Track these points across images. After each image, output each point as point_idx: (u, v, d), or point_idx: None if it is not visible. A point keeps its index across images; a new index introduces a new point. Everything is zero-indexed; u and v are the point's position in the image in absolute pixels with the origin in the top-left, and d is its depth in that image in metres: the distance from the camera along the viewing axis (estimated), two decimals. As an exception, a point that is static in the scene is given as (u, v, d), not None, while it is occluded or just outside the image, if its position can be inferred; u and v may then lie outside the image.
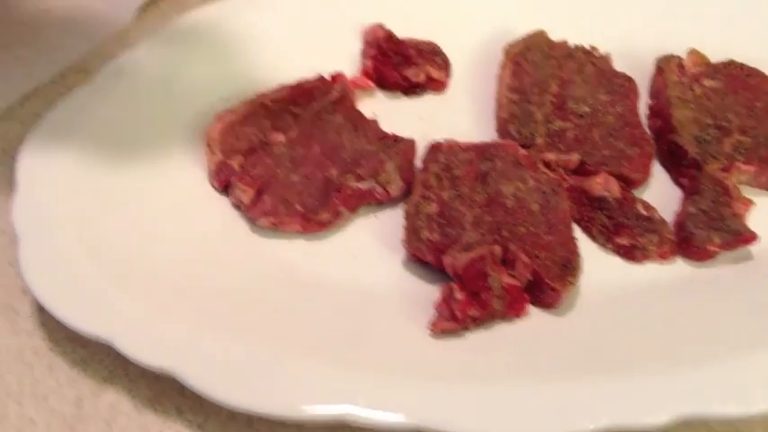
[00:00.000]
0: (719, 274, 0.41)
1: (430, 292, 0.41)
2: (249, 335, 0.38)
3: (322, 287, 0.41)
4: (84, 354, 0.41)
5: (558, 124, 0.45)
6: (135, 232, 0.42)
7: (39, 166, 0.44)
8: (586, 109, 0.46)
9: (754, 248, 0.41)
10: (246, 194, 0.43)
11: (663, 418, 0.34)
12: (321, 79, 0.48)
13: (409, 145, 0.46)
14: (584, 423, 0.34)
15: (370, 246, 0.43)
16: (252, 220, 0.43)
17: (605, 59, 0.48)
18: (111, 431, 0.38)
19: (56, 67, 0.52)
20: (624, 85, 0.47)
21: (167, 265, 0.41)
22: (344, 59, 0.50)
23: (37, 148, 0.44)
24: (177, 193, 0.44)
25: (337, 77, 0.48)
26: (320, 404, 0.35)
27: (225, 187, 0.44)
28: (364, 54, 0.51)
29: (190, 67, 0.48)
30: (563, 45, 0.49)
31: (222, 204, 0.45)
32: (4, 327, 0.42)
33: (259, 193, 0.43)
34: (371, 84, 0.49)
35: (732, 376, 0.35)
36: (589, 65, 0.48)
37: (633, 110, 0.46)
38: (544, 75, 0.47)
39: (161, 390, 0.39)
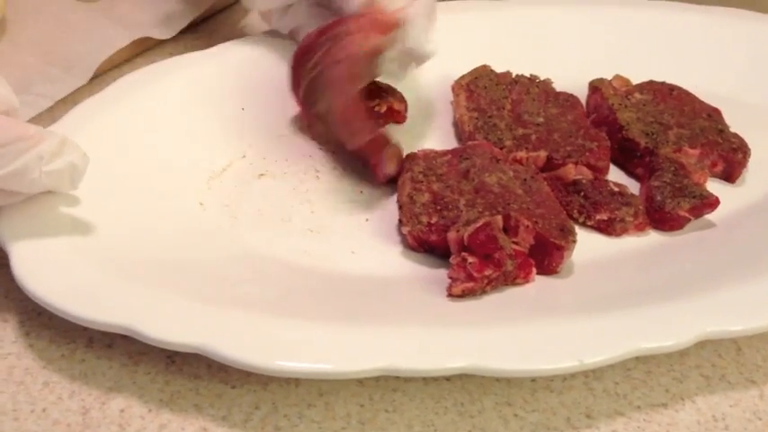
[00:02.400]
0: (689, 240, 0.45)
1: (433, 274, 0.42)
2: (266, 311, 0.37)
3: (325, 276, 0.42)
4: (83, 368, 0.39)
5: (521, 131, 0.49)
6: (129, 230, 0.41)
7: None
8: (541, 119, 0.51)
9: (713, 217, 0.46)
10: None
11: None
12: None
13: (381, 137, 0.48)
14: (613, 350, 0.36)
15: (366, 242, 0.44)
16: None
17: (546, 83, 0.54)
18: (126, 434, 0.36)
19: None
20: (569, 100, 0.52)
21: (166, 257, 0.40)
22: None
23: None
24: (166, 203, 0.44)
25: None
26: (359, 362, 0.35)
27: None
28: None
29: (159, 107, 0.49)
30: (506, 74, 0.54)
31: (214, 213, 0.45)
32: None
33: None
34: None
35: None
36: (534, 87, 0.53)
37: (583, 118, 0.51)
38: (496, 96, 0.52)
39: (174, 391, 0.38)
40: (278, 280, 0.41)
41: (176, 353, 0.38)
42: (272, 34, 0.56)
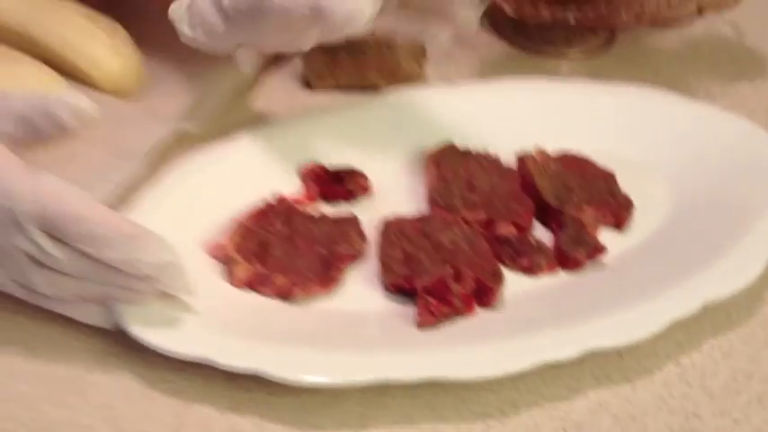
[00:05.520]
0: (586, 277, 0.63)
1: (406, 311, 0.60)
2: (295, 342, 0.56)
3: (329, 312, 0.60)
4: (168, 386, 0.56)
5: (470, 196, 0.67)
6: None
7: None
8: (486, 187, 0.68)
9: (606, 259, 0.64)
10: (285, 283, 0.60)
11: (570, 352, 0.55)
12: (267, 203, 0.67)
13: (354, 218, 0.66)
14: (525, 362, 0.54)
15: (356, 287, 0.62)
16: (285, 297, 0.60)
17: (494, 157, 0.71)
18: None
19: None
20: (510, 171, 0.70)
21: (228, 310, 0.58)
22: (287, 189, 0.69)
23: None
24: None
25: (279, 198, 0.67)
26: (359, 374, 0.53)
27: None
28: (306, 183, 0.70)
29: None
30: (466, 150, 0.71)
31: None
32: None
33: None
34: (308, 201, 0.69)
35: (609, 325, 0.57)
36: (484, 161, 0.70)
37: (517, 187, 0.69)
38: (457, 168, 0.69)
39: (239, 400, 0.55)
40: (300, 318, 0.59)
41: (240, 375, 0.54)
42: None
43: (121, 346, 0.57)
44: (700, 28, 0.89)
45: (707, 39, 0.91)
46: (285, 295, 0.60)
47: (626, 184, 0.69)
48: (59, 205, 0.52)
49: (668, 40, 0.90)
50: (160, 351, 0.54)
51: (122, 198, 0.65)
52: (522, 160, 0.71)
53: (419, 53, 0.83)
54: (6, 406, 0.55)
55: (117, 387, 0.56)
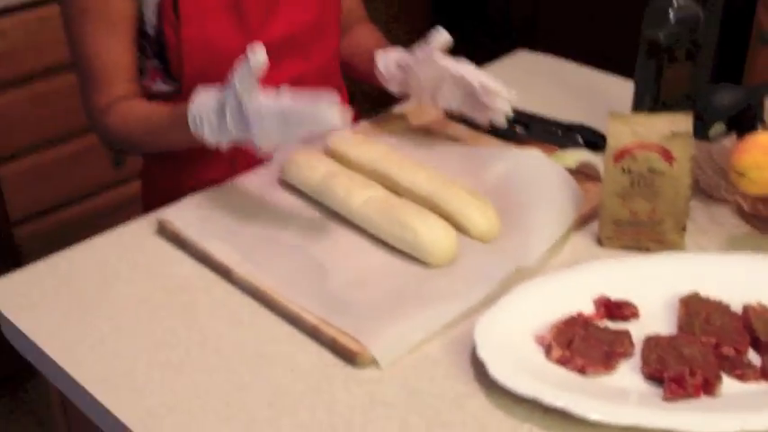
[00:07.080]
0: (782, 388, 0.97)
1: (656, 390, 0.97)
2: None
3: (601, 383, 0.98)
4: (509, 412, 0.97)
5: (707, 327, 1.04)
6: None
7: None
8: (719, 323, 1.04)
9: (796, 378, 0.97)
10: (582, 364, 1.01)
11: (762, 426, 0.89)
12: (573, 316, 1.07)
13: (627, 331, 1.05)
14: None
15: (623, 372, 1.00)
16: (581, 372, 1.00)
17: (726, 305, 1.07)
18: (530, 438, 0.94)
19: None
20: (735, 315, 1.06)
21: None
22: (585, 309, 1.10)
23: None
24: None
25: (579, 314, 1.07)
26: (623, 419, 0.90)
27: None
28: (597, 307, 1.10)
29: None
30: (707, 298, 1.08)
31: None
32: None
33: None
34: (598, 318, 1.08)
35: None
36: (719, 306, 1.07)
37: (740, 325, 1.04)
38: (699, 309, 1.06)
39: (552, 423, 0.95)
40: (589, 386, 0.98)
41: (553, 409, 0.95)
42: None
43: (488, 388, 1.01)
44: None
45: None
46: (581, 371, 1.01)
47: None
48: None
49: None
50: (508, 389, 0.96)
51: (481, 308, 1.08)
52: (746, 309, 1.06)
53: (681, 227, 1.21)
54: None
55: (481, 413, 0.98)
